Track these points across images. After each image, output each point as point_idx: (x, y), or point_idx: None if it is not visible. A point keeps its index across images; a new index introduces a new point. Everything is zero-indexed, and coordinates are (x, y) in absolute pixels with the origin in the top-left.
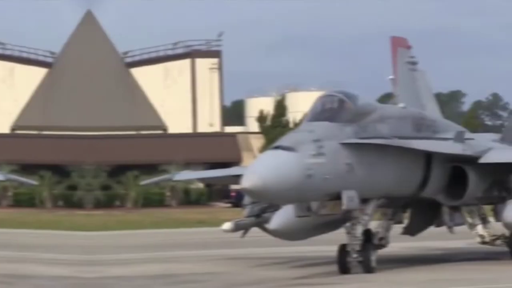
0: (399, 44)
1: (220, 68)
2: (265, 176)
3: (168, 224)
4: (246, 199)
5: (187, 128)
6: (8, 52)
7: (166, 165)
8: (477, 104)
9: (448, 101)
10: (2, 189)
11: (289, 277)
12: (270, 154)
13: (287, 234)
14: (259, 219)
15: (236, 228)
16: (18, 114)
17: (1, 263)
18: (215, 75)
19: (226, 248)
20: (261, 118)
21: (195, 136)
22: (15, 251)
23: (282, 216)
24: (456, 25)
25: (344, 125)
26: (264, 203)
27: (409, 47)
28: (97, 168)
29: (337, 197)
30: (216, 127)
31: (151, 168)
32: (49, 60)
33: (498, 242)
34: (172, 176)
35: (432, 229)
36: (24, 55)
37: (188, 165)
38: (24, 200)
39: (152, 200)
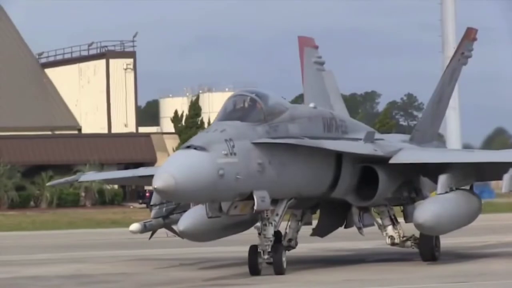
0: (306, 44)
1: (134, 68)
2: (177, 176)
3: (83, 225)
4: (154, 200)
5: (101, 129)
6: None
7: (80, 165)
8: (392, 105)
9: (363, 102)
10: None
11: (202, 278)
12: (182, 153)
13: (196, 235)
14: (167, 220)
15: (144, 229)
16: None
17: None
18: (130, 76)
19: (140, 248)
20: (176, 119)
21: (110, 136)
22: None
23: (190, 217)
24: (371, 26)
25: (255, 124)
26: (171, 204)
27: (316, 47)
28: (11, 168)
29: (249, 197)
30: (131, 128)
31: (65, 169)
32: None
33: (408, 243)
34: (78, 177)
35: (341, 230)
36: None
37: (103, 165)
38: None
39: (67, 201)
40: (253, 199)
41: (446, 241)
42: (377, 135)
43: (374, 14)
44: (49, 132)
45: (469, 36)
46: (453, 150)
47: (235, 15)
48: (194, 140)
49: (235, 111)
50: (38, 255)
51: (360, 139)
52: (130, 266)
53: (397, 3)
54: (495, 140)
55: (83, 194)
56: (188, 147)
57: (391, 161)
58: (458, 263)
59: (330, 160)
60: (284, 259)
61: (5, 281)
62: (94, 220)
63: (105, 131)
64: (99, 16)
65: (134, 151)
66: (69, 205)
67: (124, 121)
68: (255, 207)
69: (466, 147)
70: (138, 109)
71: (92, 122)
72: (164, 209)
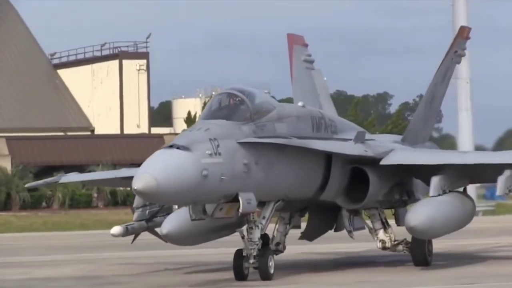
0: (295, 41)
1: (147, 69)
2: (158, 177)
3: (95, 226)
4: (136, 202)
5: (114, 129)
6: None
7: (93, 166)
8: (404, 106)
9: (375, 103)
10: None
11: (190, 282)
12: (164, 153)
13: (180, 238)
14: (150, 223)
15: (126, 233)
16: None
17: None
18: (143, 77)
19: (151, 250)
20: (189, 119)
21: (122, 137)
22: None
23: (174, 220)
24: (383, 26)
25: (241, 123)
26: (155, 207)
27: (305, 45)
28: (23, 169)
29: (234, 199)
30: (144, 128)
31: (78, 169)
32: None
33: (400, 247)
34: (59, 178)
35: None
36: None
37: (115, 166)
38: None
39: (79, 201)
40: (238, 201)
41: (457, 243)
42: (368, 136)
43: (385, 15)
44: (62, 133)
45: (462, 34)
46: (446, 152)
47: (249, 15)
48: (177, 140)
49: (221, 110)
50: (49, 256)
51: (350, 140)
52: (141, 267)
53: (409, 4)
54: (507, 141)
55: (95, 195)
56: (171, 146)
57: (382, 163)
58: (469, 265)
59: (319, 161)
60: (271, 263)
61: (17, 283)
62: (106, 221)
63: (118, 132)
64: (112, 16)
65: (147, 152)
66: (81, 206)
67: (137, 122)
68: (240, 210)
69: (479, 148)
70: (151, 110)
71: (104, 123)
72: (147, 211)
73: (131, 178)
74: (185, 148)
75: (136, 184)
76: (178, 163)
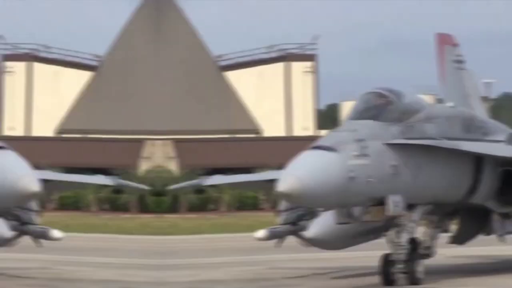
0: (445, 41)
1: (314, 71)
2: (303, 179)
3: (261, 228)
4: (282, 205)
5: (280, 132)
6: (53, 56)
7: (260, 168)
8: None
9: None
10: (46, 192)
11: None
12: (309, 154)
13: (325, 243)
14: (295, 227)
15: (271, 236)
16: (63, 117)
17: (48, 267)
18: (309, 79)
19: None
20: None
21: (289, 139)
22: (62, 254)
23: (320, 224)
24: None
25: (389, 124)
26: (301, 210)
27: (456, 45)
28: (191, 172)
29: (381, 202)
30: (311, 131)
31: (245, 171)
32: (94, 63)
33: None
34: (202, 181)
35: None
36: (69, 58)
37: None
38: (69, 204)
39: (246, 204)
40: (385, 204)
41: None
42: None
43: None
44: (229, 135)
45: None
46: None
47: (414, 17)
48: (322, 140)
49: (367, 110)
50: (216, 258)
51: (502, 141)
52: (294, 271)
53: None
54: None
55: (263, 197)
56: (316, 147)
57: None
58: None
59: (470, 163)
60: (419, 268)
61: (185, 285)
62: (272, 223)
63: (284, 134)
64: (279, 18)
65: None
66: (248, 208)
67: (304, 124)
68: (388, 212)
69: None
70: (318, 112)
71: (271, 125)
72: (293, 215)
73: (275, 180)
74: (331, 149)
75: (281, 187)
76: (324, 165)
